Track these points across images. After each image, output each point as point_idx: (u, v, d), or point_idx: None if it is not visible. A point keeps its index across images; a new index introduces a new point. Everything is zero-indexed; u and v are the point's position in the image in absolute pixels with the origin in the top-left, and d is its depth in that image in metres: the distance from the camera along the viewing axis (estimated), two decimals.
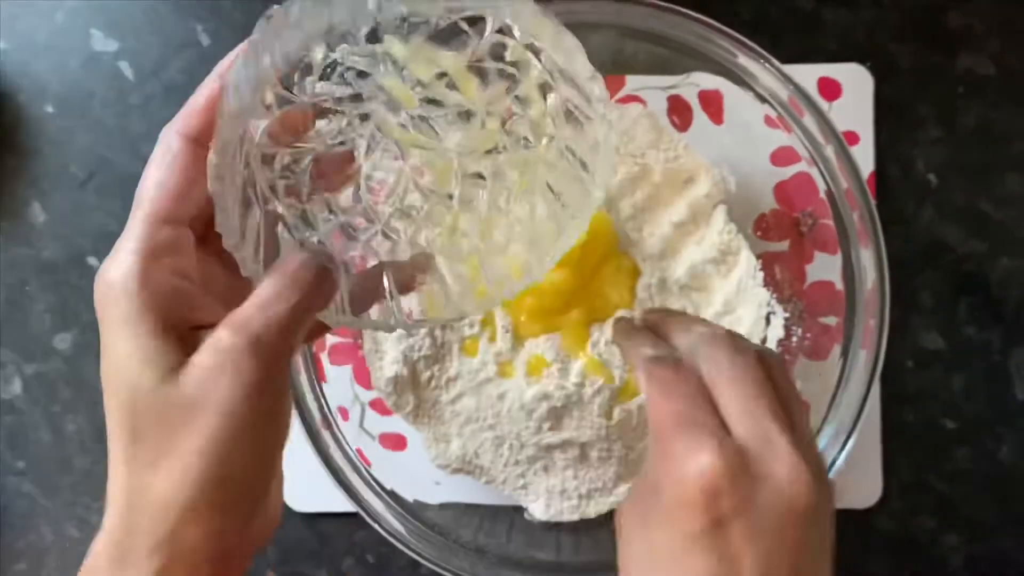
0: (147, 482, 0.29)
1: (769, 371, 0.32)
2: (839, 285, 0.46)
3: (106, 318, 0.30)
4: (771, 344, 0.49)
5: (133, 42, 0.56)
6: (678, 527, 0.30)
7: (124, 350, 0.29)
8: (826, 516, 0.31)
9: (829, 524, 0.31)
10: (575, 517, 0.49)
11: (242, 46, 0.30)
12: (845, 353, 0.46)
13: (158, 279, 0.29)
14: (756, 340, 0.49)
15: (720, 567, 0.29)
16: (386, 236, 0.34)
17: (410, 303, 0.34)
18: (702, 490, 0.29)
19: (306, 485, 0.53)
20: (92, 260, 0.55)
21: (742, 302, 0.49)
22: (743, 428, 0.30)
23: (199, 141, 0.31)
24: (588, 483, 0.49)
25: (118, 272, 0.29)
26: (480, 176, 0.33)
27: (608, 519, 0.50)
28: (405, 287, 0.34)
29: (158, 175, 0.31)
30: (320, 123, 0.32)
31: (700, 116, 0.50)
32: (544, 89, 0.32)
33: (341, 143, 0.32)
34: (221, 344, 0.28)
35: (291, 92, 0.30)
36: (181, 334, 0.29)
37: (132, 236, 0.30)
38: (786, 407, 0.31)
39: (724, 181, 0.50)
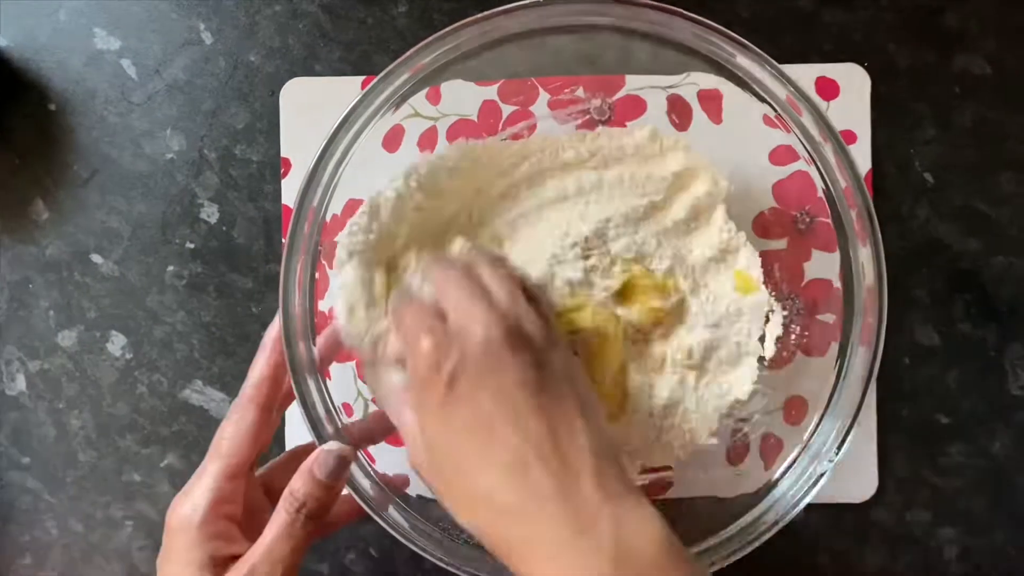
0: None
1: (473, 269, 0.41)
2: (837, 283, 0.47)
3: (171, 543, 0.42)
4: (769, 341, 0.50)
5: (135, 40, 0.56)
6: (431, 407, 0.38)
7: (178, 572, 0.41)
8: (533, 348, 0.38)
9: (546, 353, 0.39)
10: None
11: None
12: (843, 350, 0.46)
13: (215, 522, 0.42)
14: (755, 338, 0.50)
15: (467, 410, 0.37)
16: None
17: None
18: (427, 368, 0.38)
19: None
20: (96, 257, 0.56)
21: (742, 300, 0.50)
22: (451, 312, 0.39)
23: (267, 408, 0.44)
24: None
25: (191, 511, 0.42)
26: None
27: None
28: None
29: (235, 440, 0.43)
30: None
31: (700, 115, 0.51)
32: None
33: None
34: None
35: None
36: (219, 562, 0.41)
37: (206, 486, 0.42)
38: (485, 287, 0.40)
39: (724, 180, 0.51)
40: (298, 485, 0.42)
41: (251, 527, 0.43)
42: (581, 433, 0.37)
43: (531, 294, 0.41)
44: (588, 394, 0.39)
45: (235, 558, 0.42)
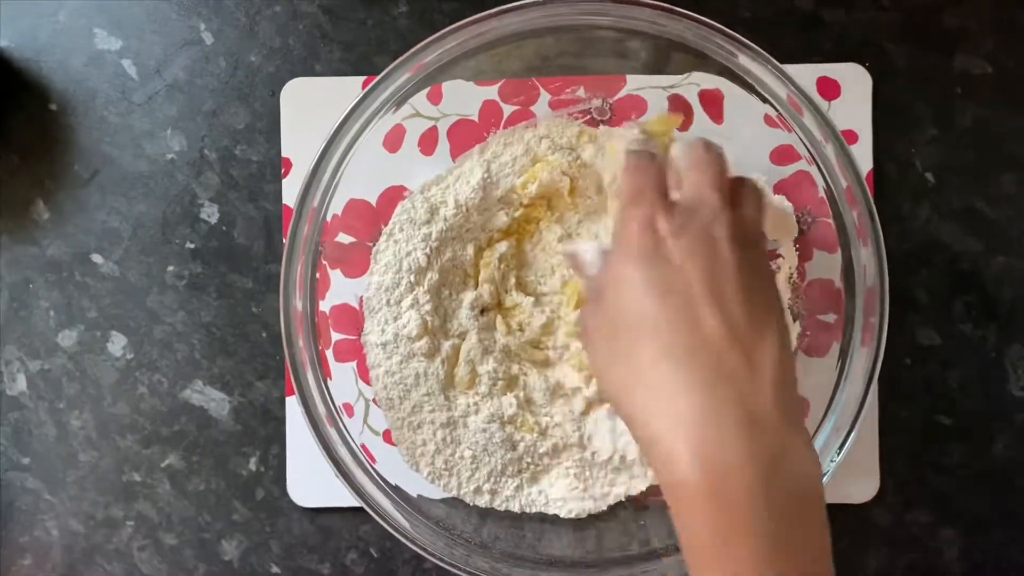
0: None
1: (728, 174, 0.39)
2: (838, 283, 0.47)
3: None
4: None
5: (136, 41, 0.56)
6: (630, 261, 0.37)
7: None
8: (757, 249, 0.38)
9: (763, 261, 0.38)
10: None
11: None
12: (844, 350, 0.46)
13: None
14: None
15: (668, 272, 0.36)
16: None
17: None
18: (641, 223, 0.37)
19: (310, 480, 0.53)
20: (96, 258, 0.56)
21: None
22: (686, 192, 0.38)
23: None
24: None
25: None
26: None
27: (610, 512, 0.50)
28: None
29: None
30: None
31: (700, 115, 0.51)
32: None
33: None
34: None
35: None
36: None
37: None
38: (736, 191, 0.39)
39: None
40: None
41: None
42: (774, 344, 0.35)
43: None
44: (785, 318, 0.38)
45: None
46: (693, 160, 0.39)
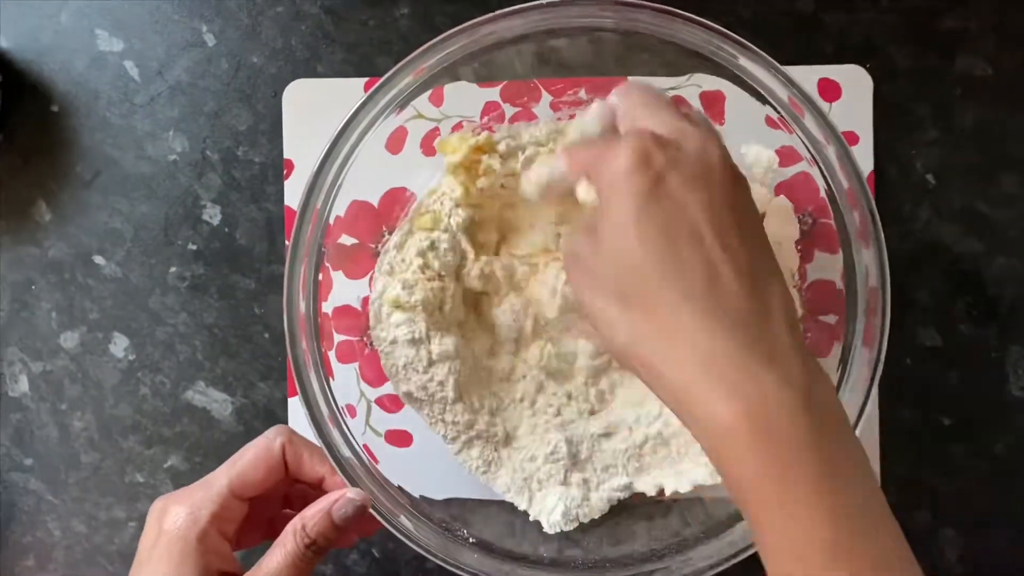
0: None
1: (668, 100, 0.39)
2: (839, 284, 0.47)
3: (164, 547, 0.41)
4: None
5: (138, 42, 0.56)
6: (625, 196, 0.35)
7: None
8: (742, 182, 0.37)
9: (751, 196, 0.37)
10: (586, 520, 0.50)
11: None
12: (845, 351, 0.46)
13: (213, 538, 0.41)
14: None
15: (672, 211, 0.34)
16: None
17: None
18: (637, 157, 0.35)
19: None
20: (98, 259, 0.56)
21: None
22: (659, 128, 0.36)
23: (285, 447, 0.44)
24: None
25: (190, 521, 0.41)
26: None
27: (610, 515, 0.51)
28: None
29: (254, 469, 0.43)
30: None
31: None
32: None
33: None
34: None
35: None
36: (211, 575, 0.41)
37: (211, 500, 0.42)
38: (690, 119, 0.38)
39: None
40: (312, 523, 0.41)
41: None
42: (779, 282, 0.35)
43: None
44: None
45: (225, 574, 0.42)
46: (640, 102, 0.38)
